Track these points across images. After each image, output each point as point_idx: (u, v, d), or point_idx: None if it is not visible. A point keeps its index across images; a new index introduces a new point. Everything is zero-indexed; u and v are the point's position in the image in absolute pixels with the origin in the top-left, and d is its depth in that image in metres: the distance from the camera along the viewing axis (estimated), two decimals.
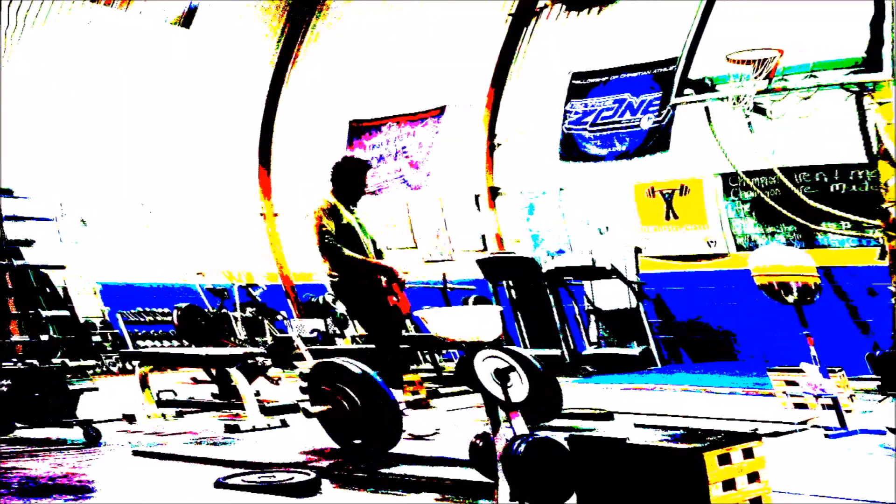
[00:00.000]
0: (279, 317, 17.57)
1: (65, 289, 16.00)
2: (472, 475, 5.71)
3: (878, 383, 10.65)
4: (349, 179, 9.03)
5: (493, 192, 18.39)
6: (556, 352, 14.78)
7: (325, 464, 6.61)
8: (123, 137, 18.26)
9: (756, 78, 10.84)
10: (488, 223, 18.42)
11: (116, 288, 17.74)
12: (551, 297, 15.37)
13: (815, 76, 10.93)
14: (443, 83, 18.93)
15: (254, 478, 5.93)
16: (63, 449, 7.30)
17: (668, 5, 15.61)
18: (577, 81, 17.15)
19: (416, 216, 19.39)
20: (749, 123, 11.43)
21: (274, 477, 5.95)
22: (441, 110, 18.80)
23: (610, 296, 15.80)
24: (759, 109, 11.30)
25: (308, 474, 5.96)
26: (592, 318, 16.02)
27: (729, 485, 4.74)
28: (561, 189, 17.44)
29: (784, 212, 12.40)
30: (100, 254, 17.76)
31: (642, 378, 12.72)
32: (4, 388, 7.76)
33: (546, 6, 17.94)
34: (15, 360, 8.21)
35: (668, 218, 16.15)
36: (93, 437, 7.71)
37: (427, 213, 19.25)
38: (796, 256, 8.69)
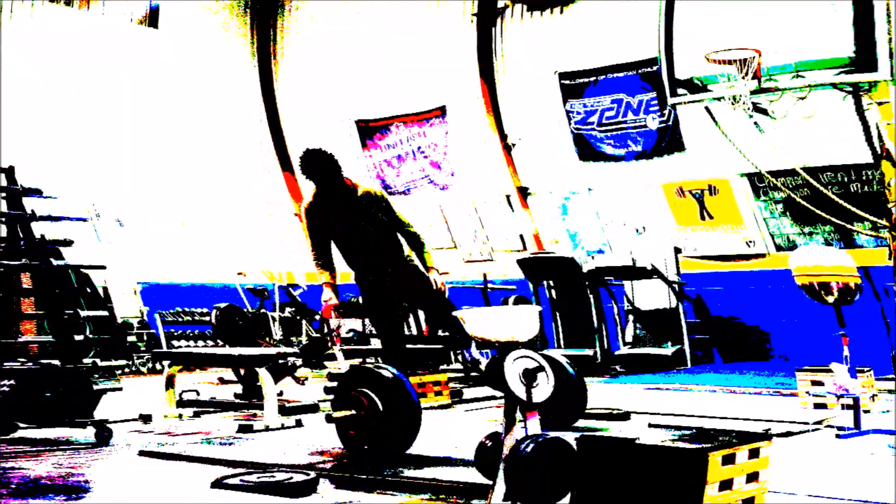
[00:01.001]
0: (317, 317, 17.54)
1: (105, 289, 16.06)
2: (474, 476, 5.64)
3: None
4: (316, 174, 8.28)
5: (523, 193, 18.36)
6: (589, 352, 14.67)
7: (329, 464, 6.55)
8: (141, 139, 18.62)
9: (744, 78, 10.70)
10: (524, 223, 18.35)
11: (157, 288, 17.91)
12: (591, 296, 15.27)
13: (801, 76, 10.76)
14: (430, 83, 19.16)
15: (252, 478, 5.85)
16: (69, 449, 7.27)
17: (625, 5, 15.59)
18: (567, 81, 17.25)
19: (450, 216, 19.44)
20: (756, 124, 11.31)
21: (273, 477, 5.87)
22: (442, 110, 18.92)
23: (650, 296, 15.73)
24: (759, 109, 11.14)
25: (307, 474, 5.89)
26: (631, 318, 15.89)
27: (726, 485, 4.65)
28: (590, 189, 17.39)
29: (819, 212, 12.19)
30: (138, 254, 17.97)
31: (670, 378, 12.64)
32: (6, 389, 7.71)
33: (507, 6, 18.05)
34: (23, 360, 8.15)
35: (702, 218, 16.12)
36: (103, 437, 7.67)
37: (461, 214, 19.31)
38: (837, 256, 8.54)
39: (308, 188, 8.39)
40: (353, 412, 6.88)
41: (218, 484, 5.79)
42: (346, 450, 6.95)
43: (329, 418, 6.94)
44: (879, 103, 10.25)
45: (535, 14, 17.78)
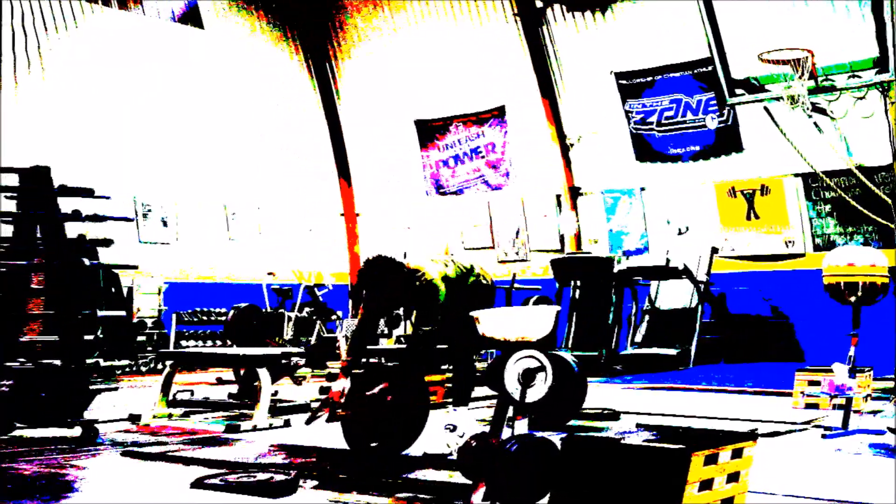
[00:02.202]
0: (334, 317, 17.59)
1: (130, 289, 16.13)
2: (457, 477, 5.60)
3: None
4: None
5: (574, 193, 18.48)
6: (594, 352, 14.63)
7: (312, 464, 6.48)
8: (199, 140, 19.32)
9: (800, 78, 10.63)
10: (568, 223, 18.45)
11: (183, 287, 18.24)
12: (614, 297, 15.27)
13: (857, 76, 10.69)
14: (487, 82, 19.43)
15: (232, 478, 5.78)
16: (56, 449, 7.20)
17: (672, 5, 15.60)
18: (624, 81, 17.30)
19: (497, 216, 19.72)
20: (815, 124, 11.25)
21: (254, 477, 5.80)
22: (500, 110, 19.10)
23: (673, 296, 15.73)
24: (818, 109, 11.08)
25: (288, 475, 5.80)
26: (646, 318, 15.86)
27: (706, 485, 4.56)
28: (642, 189, 17.47)
29: (865, 212, 12.09)
30: (180, 254, 18.73)
31: (671, 378, 12.60)
32: (5, 389, 7.67)
33: (545, 7, 18.20)
34: (23, 360, 8.10)
35: (748, 218, 16.29)
36: (89, 437, 7.61)
37: (508, 213, 19.56)
38: (870, 256, 8.46)
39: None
40: (358, 411, 6.83)
41: (198, 484, 5.72)
42: (350, 447, 6.87)
43: (332, 417, 6.88)
44: (893, 103, 10.22)
45: (577, 15, 17.88)
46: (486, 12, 19.26)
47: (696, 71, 16.49)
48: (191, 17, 19.51)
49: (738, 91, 11.69)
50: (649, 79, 17.17)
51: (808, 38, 10.76)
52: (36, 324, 8.80)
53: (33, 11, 16.95)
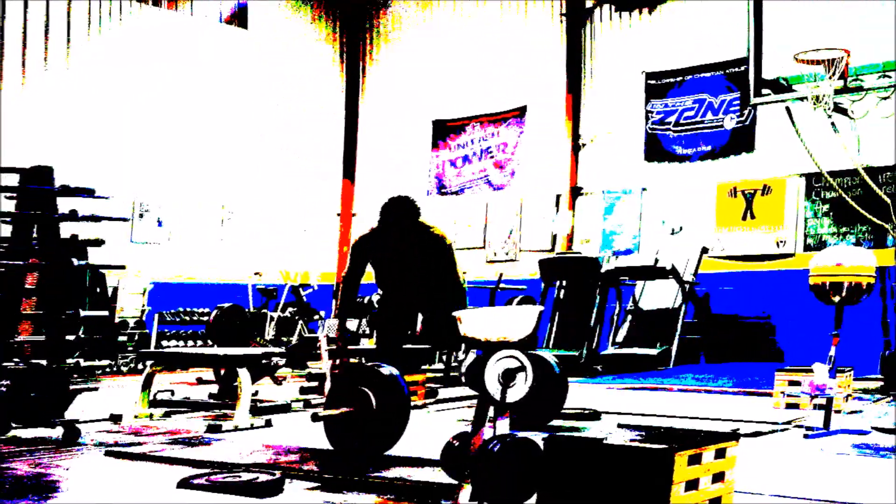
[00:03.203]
0: (316, 317, 17.63)
1: (115, 288, 16.11)
2: (441, 477, 5.64)
3: (882, 383, 10.53)
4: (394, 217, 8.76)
5: (575, 193, 18.58)
6: (575, 352, 14.67)
7: (296, 464, 6.48)
8: (202, 140, 19.64)
9: (831, 78, 10.73)
10: (563, 223, 18.56)
11: (170, 287, 18.38)
12: (598, 297, 15.33)
13: (888, 76, 10.80)
14: (515, 82, 19.70)
15: (217, 478, 5.77)
16: (41, 449, 7.18)
17: (715, 5, 15.73)
18: (653, 81, 17.51)
19: (494, 216, 19.88)
20: (833, 124, 11.35)
21: (239, 477, 5.80)
22: (522, 111, 19.28)
23: (657, 296, 15.79)
24: (839, 109, 11.18)
25: (273, 474, 5.80)
26: (628, 318, 15.92)
27: (692, 485, 4.59)
28: (644, 189, 17.58)
29: (862, 211, 12.20)
30: (171, 254, 19.05)
31: (651, 378, 12.64)
32: (3, 389, 7.67)
33: (594, 6, 18.20)
34: (17, 360, 8.09)
35: (744, 218, 16.44)
36: (71, 437, 7.59)
37: (505, 214, 19.71)
38: (857, 256, 8.50)
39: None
40: (343, 410, 6.85)
41: (184, 484, 5.72)
42: (333, 447, 6.87)
43: (315, 417, 6.89)
44: None
45: (624, 14, 18.01)
46: (533, 12, 19.49)
47: (727, 71, 16.70)
48: (238, 17, 19.60)
49: (765, 91, 11.82)
50: (679, 78, 17.37)
51: (841, 38, 10.86)
52: (27, 324, 8.80)
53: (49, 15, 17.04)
